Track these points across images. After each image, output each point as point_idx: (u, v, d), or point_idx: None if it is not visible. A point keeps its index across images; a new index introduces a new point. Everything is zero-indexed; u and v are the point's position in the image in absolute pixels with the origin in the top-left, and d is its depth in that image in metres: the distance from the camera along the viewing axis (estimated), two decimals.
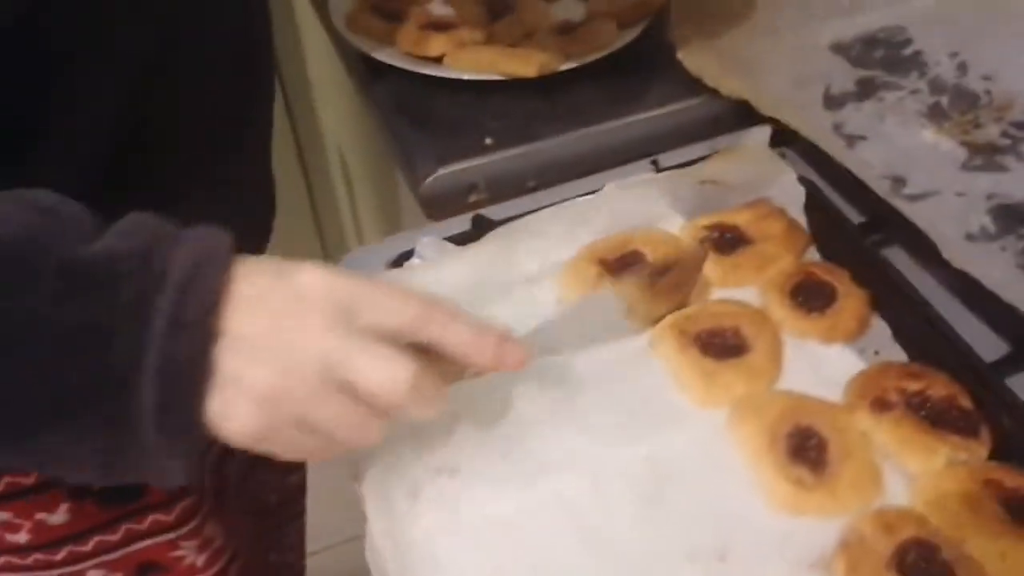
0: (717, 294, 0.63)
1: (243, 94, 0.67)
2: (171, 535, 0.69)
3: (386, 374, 0.43)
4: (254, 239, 0.76)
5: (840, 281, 0.62)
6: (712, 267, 0.63)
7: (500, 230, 0.65)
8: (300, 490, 0.95)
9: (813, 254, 0.66)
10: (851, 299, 0.60)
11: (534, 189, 0.76)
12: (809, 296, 0.61)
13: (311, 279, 0.44)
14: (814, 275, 0.62)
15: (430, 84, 0.81)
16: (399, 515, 0.52)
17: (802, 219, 0.67)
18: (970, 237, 0.65)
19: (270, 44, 0.69)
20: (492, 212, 0.70)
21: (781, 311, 0.61)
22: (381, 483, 0.53)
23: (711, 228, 0.66)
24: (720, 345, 0.58)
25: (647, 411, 0.56)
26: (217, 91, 0.62)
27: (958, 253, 0.62)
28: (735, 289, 0.63)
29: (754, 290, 0.63)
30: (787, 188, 0.69)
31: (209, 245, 0.43)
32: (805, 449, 0.52)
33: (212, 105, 0.62)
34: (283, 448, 0.45)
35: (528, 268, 0.64)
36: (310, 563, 1.02)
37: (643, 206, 0.67)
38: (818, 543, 0.49)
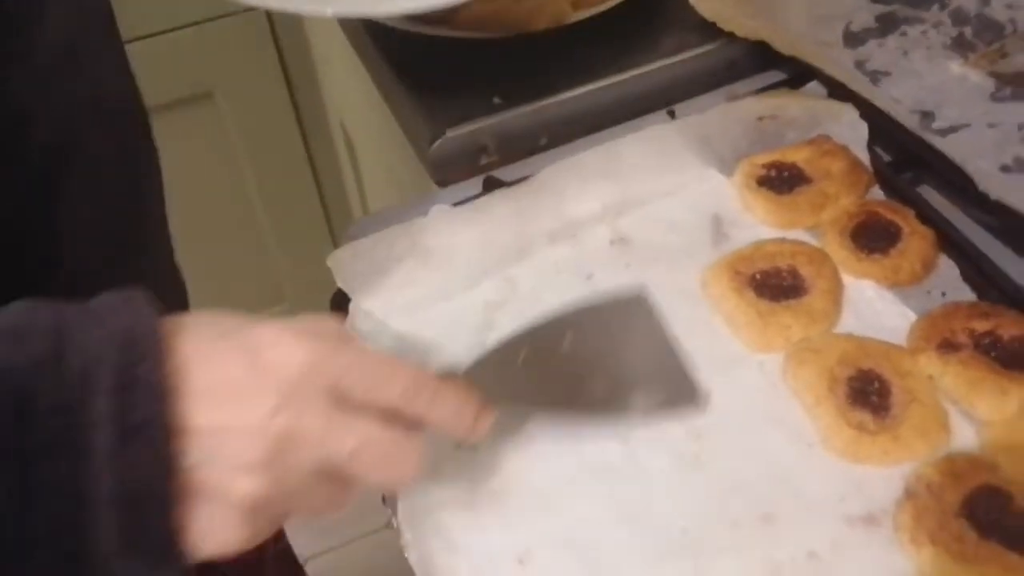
0: (773, 234, 0.61)
1: (131, 188, 0.60)
2: None
3: (391, 473, 0.40)
4: None
5: (905, 220, 0.59)
6: (768, 207, 0.61)
7: (522, 186, 0.63)
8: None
9: (876, 193, 0.63)
10: (916, 239, 0.58)
11: (546, 147, 0.73)
12: (872, 237, 0.58)
13: (286, 354, 0.37)
14: (877, 214, 0.59)
15: (434, 44, 0.79)
16: (418, 493, 0.50)
17: (865, 157, 0.64)
18: (1005, 168, 0.62)
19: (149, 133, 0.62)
20: (503, 173, 0.68)
21: (841, 252, 0.58)
22: None
23: (768, 166, 0.63)
24: (776, 286, 0.56)
25: (695, 356, 0.53)
26: (106, 195, 0.55)
27: (993, 185, 0.59)
28: (792, 231, 0.61)
29: (813, 231, 0.61)
30: (849, 124, 0.66)
31: (132, 319, 0.35)
32: (867, 393, 0.50)
33: (101, 211, 0.55)
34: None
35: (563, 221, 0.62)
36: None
37: (686, 148, 0.65)
38: (878, 495, 0.47)
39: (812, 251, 0.58)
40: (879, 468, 0.48)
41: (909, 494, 0.47)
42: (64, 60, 0.51)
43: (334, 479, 0.39)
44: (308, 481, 0.38)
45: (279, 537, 0.79)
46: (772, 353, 0.54)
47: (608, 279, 0.59)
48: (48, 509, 0.32)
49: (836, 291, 0.57)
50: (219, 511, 0.36)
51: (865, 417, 0.50)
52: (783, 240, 0.60)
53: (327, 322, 0.41)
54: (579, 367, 0.49)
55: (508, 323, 0.58)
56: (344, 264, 0.59)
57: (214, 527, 0.36)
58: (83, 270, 0.55)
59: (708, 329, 0.56)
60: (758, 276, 0.57)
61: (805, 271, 0.57)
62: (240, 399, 0.36)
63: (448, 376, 0.45)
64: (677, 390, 0.50)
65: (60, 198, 0.51)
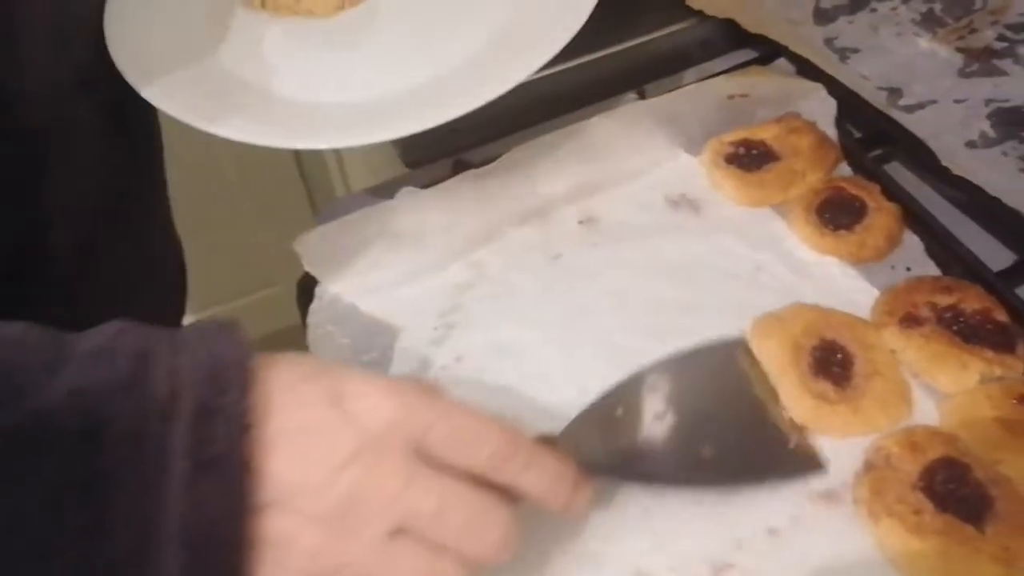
0: (740, 212, 0.61)
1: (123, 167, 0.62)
2: None
3: (481, 542, 0.36)
4: (169, 305, 0.72)
5: (871, 196, 0.59)
6: (736, 185, 0.62)
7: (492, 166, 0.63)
8: None
9: (844, 170, 0.63)
10: (881, 215, 0.58)
11: (517, 128, 0.73)
12: (837, 213, 0.58)
13: (372, 406, 0.35)
14: (843, 190, 0.60)
15: None
16: None
17: (833, 133, 0.65)
18: (971, 144, 0.62)
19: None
20: (474, 155, 0.68)
21: (807, 229, 0.59)
22: None
23: (736, 144, 0.63)
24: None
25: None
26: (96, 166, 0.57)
27: (959, 161, 0.60)
28: (760, 208, 0.61)
29: (779, 208, 0.61)
30: (819, 101, 0.66)
31: (221, 349, 0.34)
32: (830, 364, 0.50)
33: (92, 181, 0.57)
34: None
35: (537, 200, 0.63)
36: None
37: (656, 127, 0.65)
38: (840, 471, 0.47)
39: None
40: (840, 441, 0.48)
41: (868, 467, 0.47)
42: (51, 37, 0.51)
43: (421, 548, 0.35)
44: (386, 546, 0.35)
45: None
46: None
47: (576, 259, 0.60)
48: (115, 541, 0.30)
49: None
50: (283, 562, 0.33)
51: (826, 387, 0.50)
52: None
53: (414, 381, 0.39)
54: (679, 428, 0.45)
55: (476, 305, 0.58)
56: (311, 248, 0.58)
57: None
58: (77, 239, 0.56)
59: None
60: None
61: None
62: (316, 446, 0.34)
63: (544, 440, 0.41)
64: (788, 454, 0.47)
65: (49, 174, 0.52)
